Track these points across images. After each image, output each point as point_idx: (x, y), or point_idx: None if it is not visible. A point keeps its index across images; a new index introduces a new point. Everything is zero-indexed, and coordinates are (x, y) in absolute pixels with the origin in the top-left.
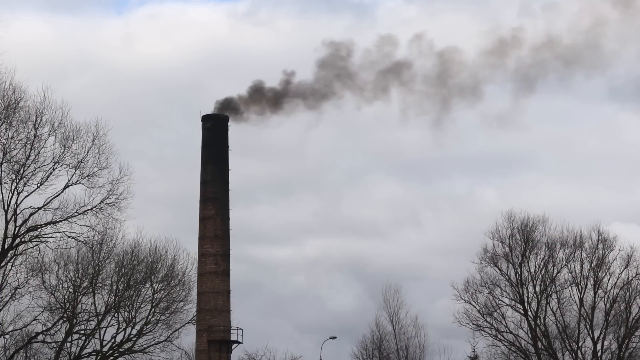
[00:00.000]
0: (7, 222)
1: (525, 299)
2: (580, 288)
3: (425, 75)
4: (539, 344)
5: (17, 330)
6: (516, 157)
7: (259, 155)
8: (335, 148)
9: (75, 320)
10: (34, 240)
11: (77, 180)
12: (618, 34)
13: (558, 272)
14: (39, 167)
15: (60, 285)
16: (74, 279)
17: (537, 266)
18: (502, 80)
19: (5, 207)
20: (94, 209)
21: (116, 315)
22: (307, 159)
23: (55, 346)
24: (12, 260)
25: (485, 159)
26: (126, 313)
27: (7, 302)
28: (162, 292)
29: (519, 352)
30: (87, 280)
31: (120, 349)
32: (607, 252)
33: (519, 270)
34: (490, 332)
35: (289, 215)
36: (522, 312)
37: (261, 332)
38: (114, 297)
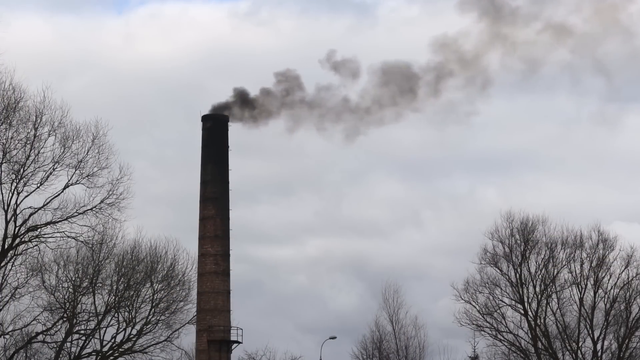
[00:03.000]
0: (7, 222)
1: (525, 299)
2: (580, 288)
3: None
4: (539, 344)
5: (17, 330)
6: (517, 157)
7: (259, 155)
8: (336, 147)
9: (75, 320)
10: (34, 240)
11: (77, 180)
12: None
13: (558, 272)
14: (39, 167)
15: (60, 285)
16: (73, 279)
17: (537, 266)
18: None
19: (5, 207)
20: (94, 209)
21: (116, 315)
22: (307, 159)
23: (55, 346)
24: (12, 260)
25: (486, 158)
26: (126, 313)
27: (7, 302)
28: (162, 292)
29: (519, 352)
30: (87, 280)
31: (120, 349)
32: (607, 252)
33: (519, 270)
34: (490, 332)
35: (290, 214)
36: (522, 312)
37: (262, 332)
38: (114, 297)
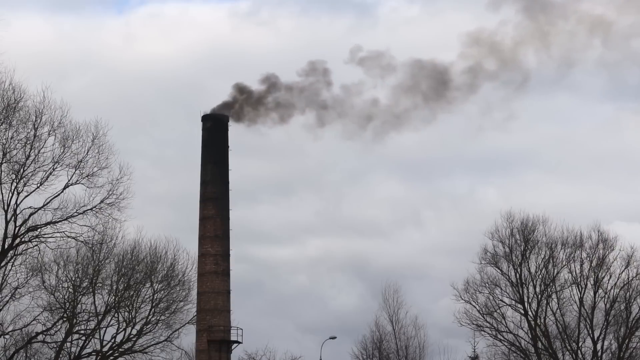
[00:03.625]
0: (7, 222)
1: (526, 299)
2: (580, 288)
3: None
4: (539, 344)
5: (17, 330)
6: (517, 157)
7: (259, 155)
8: (336, 147)
9: (75, 320)
10: (34, 240)
11: (77, 180)
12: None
13: (558, 272)
14: (38, 167)
15: (60, 285)
16: (73, 279)
17: (537, 266)
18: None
19: (5, 207)
20: (94, 209)
21: (116, 315)
22: (308, 159)
23: (55, 346)
24: (12, 260)
25: (486, 158)
26: (126, 313)
27: (7, 302)
28: (162, 292)
29: (519, 352)
30: (87, 280)
31: (120, 349)
32: (607, 252)
33: (519, 270)
34: (490, 332)
35: (291, 214)
36: (522, 312)
37: (263, 332)
38: (114, 297)
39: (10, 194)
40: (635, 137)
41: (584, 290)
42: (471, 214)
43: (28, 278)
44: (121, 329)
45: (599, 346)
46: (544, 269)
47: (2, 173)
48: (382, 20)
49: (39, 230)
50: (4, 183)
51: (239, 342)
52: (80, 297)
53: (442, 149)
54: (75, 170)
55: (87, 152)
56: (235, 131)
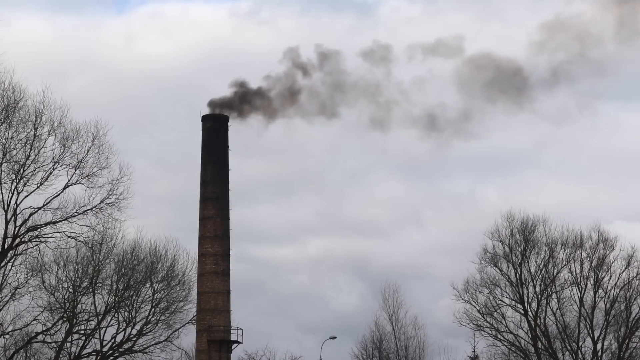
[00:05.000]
0: (7, 222)
1: (525, 299)
2: (580, 288)
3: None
4: (539, 344)
5: (17, 330)
6: (517, 157)
7: (259, 154)
8: (337, 147)
9: (75, 320)
10: (34, 240)
11: (77, 180)
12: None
13: (558, 272)
14: (38, 167)
15: (60, 285)
16: (73, 279)
17: (538, 266)
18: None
19: (5, 207)
20: (94, 209)
21: (116, 315)
22: (308, 158)
23: (55, 346)
24: (12, 260)
25: (487, 158)
26: (126, 313)
27: (7, 302)
28: (162, 292)
29: (519, 352)
30: (87, 280)
31: (120, 349)
32: (607, 252)
33: (519, 270)
34: (490, 332)
35: (291, 214)
36: (522, 312)
37: (264, 332)
38: (114, 297)
39: (10, 194)
40: (636, 136)
41: (584, 290)
42: (471, 214)
43: (28, 278)
44: (121, 329)
45: (599, 346)
46: (544, 269)
47: (2, 173)
48: (383, 20)
49: (39, 230)
50: (4, 183)
51: (239, 342)
52: (80, 297)
53: (442, 149)
54: (75, 170)
55: (87, 152)
56: (235, 131)
